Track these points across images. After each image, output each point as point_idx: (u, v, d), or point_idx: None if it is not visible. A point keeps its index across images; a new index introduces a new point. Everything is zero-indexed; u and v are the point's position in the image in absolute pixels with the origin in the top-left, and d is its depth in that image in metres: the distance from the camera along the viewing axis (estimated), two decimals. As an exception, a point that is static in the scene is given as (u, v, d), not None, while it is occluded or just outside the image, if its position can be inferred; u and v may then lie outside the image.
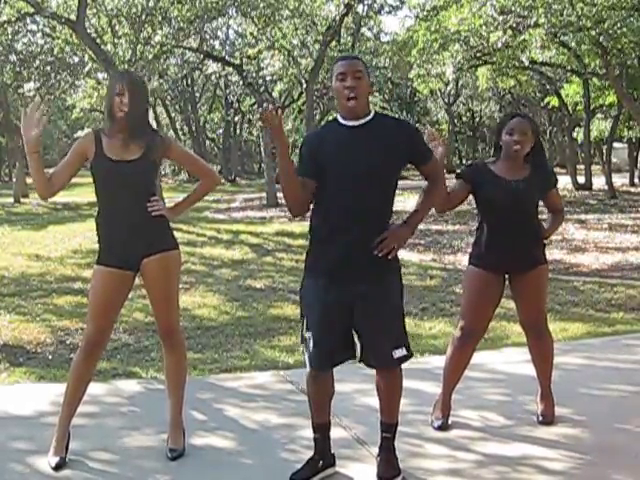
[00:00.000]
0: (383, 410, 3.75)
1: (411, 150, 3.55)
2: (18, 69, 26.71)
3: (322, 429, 3.75)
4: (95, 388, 5.14)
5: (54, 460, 3.88)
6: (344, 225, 3.45)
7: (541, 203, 4.45)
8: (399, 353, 3.62)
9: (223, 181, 38.23)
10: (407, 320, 7.42)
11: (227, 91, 40.52)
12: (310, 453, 3.87)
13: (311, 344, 3.57)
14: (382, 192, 3.52)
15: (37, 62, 26.46)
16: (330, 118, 3.77)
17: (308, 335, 3.59)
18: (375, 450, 3.81)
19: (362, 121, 3.49)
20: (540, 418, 4.41)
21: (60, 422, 4.01)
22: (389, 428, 3.72)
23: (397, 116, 38.26)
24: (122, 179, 3.92)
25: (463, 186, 4.35)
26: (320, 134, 3.78)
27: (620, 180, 24.19)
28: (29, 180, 30.31)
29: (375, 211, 3.51)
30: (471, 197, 4.38)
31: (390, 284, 3.61)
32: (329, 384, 3.73)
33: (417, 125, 41.97)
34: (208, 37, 24.98)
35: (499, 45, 15.59)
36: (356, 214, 3.44)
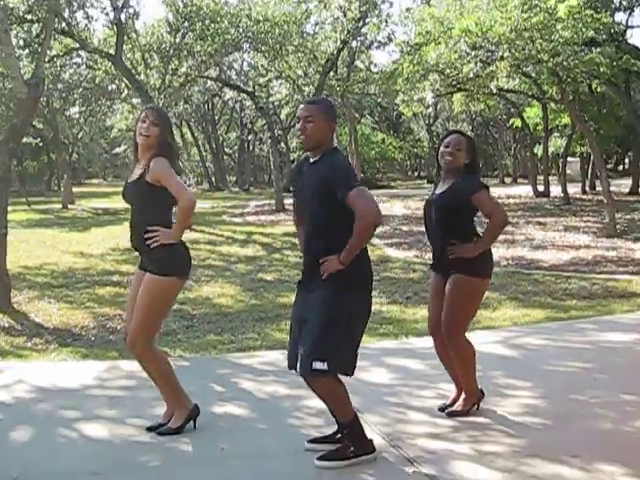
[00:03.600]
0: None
1: (328, 186, 3.32)
2: (64, 95, 26.71)
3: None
4: (131, 365, 5.15)
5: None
6: (306, 239, 3.51)
7: None
8: (319, 366, 3.27)
9: (237, 190, 38.29)
10: (393, 307, 7.50)
11: (242, 114, 40.48)
12: (312, 419, 3.88)
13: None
14: (320, 220, 3.39)
15: (81, 89, 26.47)
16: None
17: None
18: (368, 417, 3.81)
19: (315, 158, 3.47)
20: (446, 404, 4.14)
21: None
22: (339, 426, 3.49)
23: (384, 137, 37.97)
24: (126, 198, 3.91)
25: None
26: (298, 167, 3.70)
27: (573, 189, 24.14)
28: (75, 189, 30.37)
29: (317, 233, 3.43)
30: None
31: (327, 297, 3.34)
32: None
33: (402, 143, 41.99)
34: (226, 68, 24.98)
35: (471, 75, 15.58)
36: (308, 234, 3.48)
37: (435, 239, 4.13)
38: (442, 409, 4.13)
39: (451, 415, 4.05)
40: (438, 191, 4.13)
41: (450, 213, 4.00)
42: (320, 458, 3.41)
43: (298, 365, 3.37)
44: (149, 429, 3.89)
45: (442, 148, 4.09)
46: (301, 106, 3.52)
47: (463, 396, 4.11)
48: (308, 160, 3.56)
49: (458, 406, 4.10)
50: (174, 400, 3.91)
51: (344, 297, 3.35)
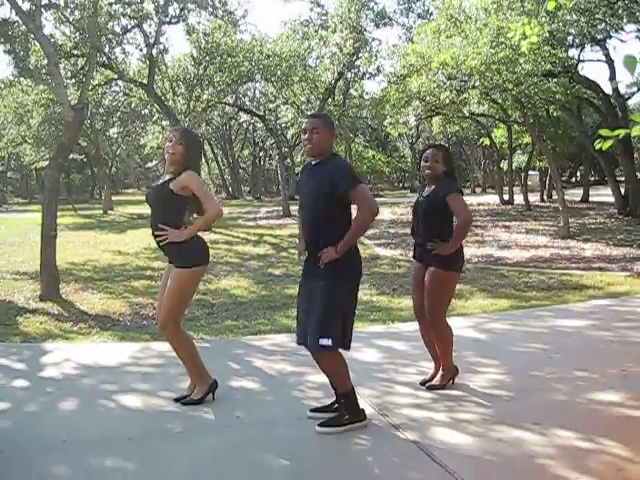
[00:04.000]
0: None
1: (334, 186, 3.29)
2: (105, 118, 26.71)
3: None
4: (161, 346, 5.14)
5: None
6: (306, 232, 3.46)
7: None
8: (325, 342, 3.28)
9: (251, 198, 38.24)
10: (381, 298, 7.49)
11: (254, 134, 40.51)
12: (313, 392, 3.86)
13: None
14: (321, 213, 3.35)
15: (119, 113, 26.47)
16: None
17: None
18: (360, 390, 3.80)
19: (316, 161, 3.45)
20: (426, 380, 4.08)
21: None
22: (337, 397, 3.50)
23: (374, 153, 38.06)
24: (148, 201, 3.87)
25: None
26: (302, 170, 3.69)
27: (533, 197, 24.15)
28: (114, 198, 30.38)
29: (317, 227, 3.38)
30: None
31: (326, 285, 3.33)
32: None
33: (389, 158, 41.95)
34: (241, 95, 24.96)
35: (447, 101, 15.58)
36: (310, 226, 3.43)
37: (420, 234, 4.08)
38: (423, 383, 4.11)
39: (430, 388, 4.04)
40: (424, 194, 4.10)
41: (433, 214, 3.97)
42: (321, 425, 3.41)
43: (309, 342, 3.38)
44: (176, 400, 3.89)
45: (422, 162, 4.06)
46: (307, 120, 3.48)
47: (441, 372, 4.10)
48: (309, 165, 3.54)
49: (436, 381, 4.09)
50: (197, 376, 3.91)
51: (340, 285, 3.37)
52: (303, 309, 3.49)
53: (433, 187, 4.04)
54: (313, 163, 3.49)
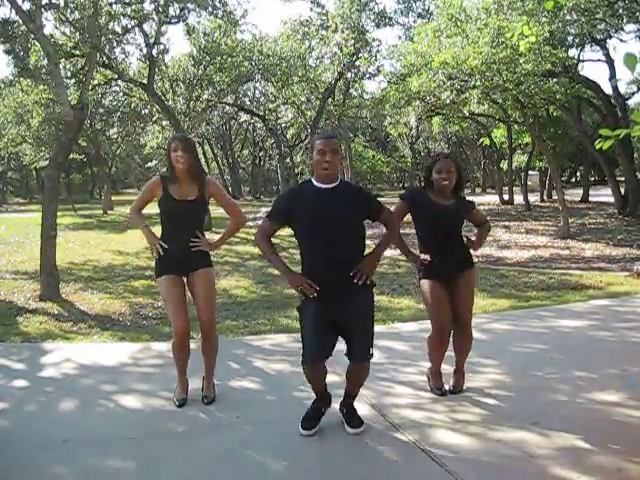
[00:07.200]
0: (352, 387, 3.53)
1: (368, 209, 3.43)
2: (105, 118, 26.70)
3: (322, 391, 3.57)
4: (162, 346, 5.15)
5: (180, 398, 3.88)
6: (327, 258, 3.30)
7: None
8: (371, 351, 3.40)
9: (250, 198, 38.21)
10: (381, 298, 7.50)
11: (254, 134, 40.46)
12: (313, 393, 3.87)
13: (309, 346, 3.34)
14: (352, 234, 3.35)
15: (118, 113, 26.45)
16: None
17: (307, 338, 3.37)
18: (361, 390, 3.79)
19: (333, 185, 3.34)
20: (452, 388, 4.00)
21: (179, 377, 3.94)
22: (354, 397, 3.57)
23: (374, 153, 38.16)
24: (182, 213, 3.78)
25: (404, 205, 3.92)
26: (295, 195, 3.50)
27: (533, 197, 24.12)
28: (114, 198, 30.36)
29: (349, 248, 3.33)
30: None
31: (369, 299, 3.43)
32: (324, 369, 3.45)
33: (389, 158, 41.93)
34: (241, 95, 24.93)
35: (447, 101, 15.57)
36: (336, 250, 3.28)
37: (451, 246, 3.88)
38: (452, 392, 3.99)
39: (459, 393, 3.97)
40: (444, 203, 3.88)
41: (462, 224, 3.99)
42: (353, 427, 3.44)
43: (357, 356, 3.35)
44: (179, 406, 3.85)
45: (435, 175, 3.86)
46: (324, 140, 3.33)
47: (457, 376, 4.05)
48: (311, 184, 3.39)
49: (459, 386, 4.04)
50: (212, 374, 4.00)
51: (372, 294, 3.49)
52: (329, 322, 3.33)
53: (452, 198, 3.92)
54: (326, 187, 3.33)
